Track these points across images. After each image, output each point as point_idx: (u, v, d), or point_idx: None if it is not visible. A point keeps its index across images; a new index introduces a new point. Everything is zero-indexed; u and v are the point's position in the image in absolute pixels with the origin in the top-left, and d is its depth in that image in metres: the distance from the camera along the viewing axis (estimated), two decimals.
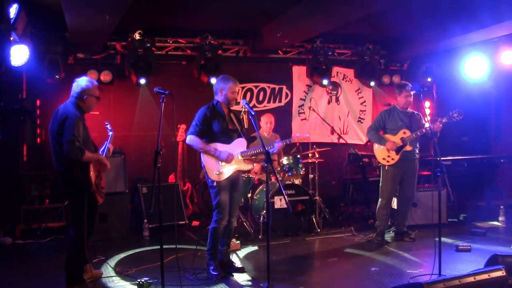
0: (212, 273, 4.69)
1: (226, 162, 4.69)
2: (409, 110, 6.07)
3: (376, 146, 6.08)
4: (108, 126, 4.91)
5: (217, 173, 4.66)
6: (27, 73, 6.90)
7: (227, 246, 4.96)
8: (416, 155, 6.03)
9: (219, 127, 4.73)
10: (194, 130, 4.68)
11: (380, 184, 6.11)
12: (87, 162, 4.20)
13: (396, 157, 5.90)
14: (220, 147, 4.73)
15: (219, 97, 4.84)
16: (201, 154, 4.74)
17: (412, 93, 5.93)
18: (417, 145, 6.03)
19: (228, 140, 4.78)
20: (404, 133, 5.92)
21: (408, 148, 5.88)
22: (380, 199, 6.10)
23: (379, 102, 8.86)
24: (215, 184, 4.67)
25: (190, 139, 4.69)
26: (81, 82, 4.37)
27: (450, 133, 8.67)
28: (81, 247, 4.33)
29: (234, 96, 4.82)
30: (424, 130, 5.80)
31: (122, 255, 5.62)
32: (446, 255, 4.97)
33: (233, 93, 4.81)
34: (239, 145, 4.83)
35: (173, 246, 4.77)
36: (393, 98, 6.16)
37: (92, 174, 4.22)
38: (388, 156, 5.94)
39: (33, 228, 6.53)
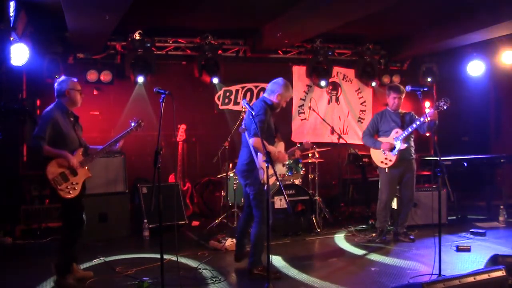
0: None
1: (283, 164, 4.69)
2: (401, 110, 6.09)
3: (372, 150, 6.09)
4: (133, 122, 4.84)
5: (269, 176, 4.50)
6: (27, 73, 6.91)
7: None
8: (413, 154, 6.03)
9: (272, 127, 4.70)
10: (260, 132, 4.39)
11: (379, 186, 6.12)
12: (48, 157, 4.32)
13: (393, 158, 5.89)
14: (272, 149, 4.65)
15: (273, 99, 4.72)
16: (259, 155, 4.55)
17: (402, 95, 5.97)
18: (412, 144, 6.03)
19: (274, 142, 4.79)
20: (397, 132, 5.92)
21: (403, 146, 5.88)
22: (379, 201, 6.11)
23: (379, 102, 8.86)
24: (265, 187, 4.53)
25: (258, 141, 4.40)
26: (60, 79, 4.61)
27: (450, 133, 8.69)
28: (66, 241, 4.47)
29: (284, 104, 4.82)
30: (414, 125, 5.80)
31: (122, 255, 5.61)
32: (446, 255, 4.98)
33: (285, 102, 4.82)
34: (281, 148, 4.88)
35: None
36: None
37: (50, 169, 4.29)
38: (386, 158, 5.94)
39: (33, 228, 6.53)
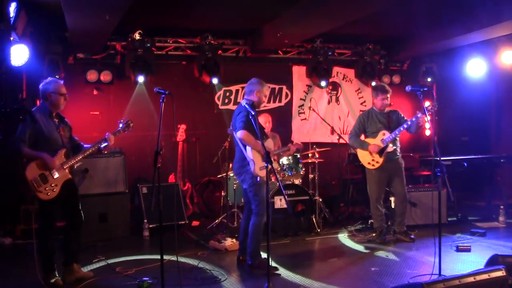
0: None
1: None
2: (387, 109, 6.10)
3: (359, 151, 6.09)
4: (121, 124, 4.81)
5: (261, 168, 4.73)
6: (27, 73, 6.89)
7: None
8: (398, 153, 6.06)
9: (258, 125, 4.82)
10: (245, 126, 4.70)
11: (368, 187, 6.14)
12: (27, 159, 4.33)
13: (381, 160, 5.91)
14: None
15: (253, 98, 4.97)
16: (248, 149, 4.78)
17: (388, 95, 5.99)
18: (398, 144, 6.06)
19: (262, 138, 4.88)
20: (384, 134, 5.94)
21: (390, 149, 5.91)
22: (370, 202, 6.14)
23: None
24: (258, 179, 4.79)
25: (244, 133, 4.68)
26: (45, 81, 4.59)
27: (450, 133, 8.69)
28: (43, 240, 4.47)
29: (264, 99, 5.13)
30: (402, 129, 5.85)
31: (123, 257, 5.60)
32: (446, 255, 4.98)
33: (265, 96, 5.13)
34: (269, 144, 5.02)
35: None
36: (392, 98, 6.17)
37: (29, 170, 4.29)
38: (373, 160, 5.96)
39: (33, 228, 6.51)
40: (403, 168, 6.10)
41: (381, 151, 5.92)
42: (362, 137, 6.16)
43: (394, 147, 5.95)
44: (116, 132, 4.72)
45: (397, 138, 6.05)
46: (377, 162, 5.94)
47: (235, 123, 4.84)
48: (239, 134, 4.71)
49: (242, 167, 4.89)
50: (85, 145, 4.71)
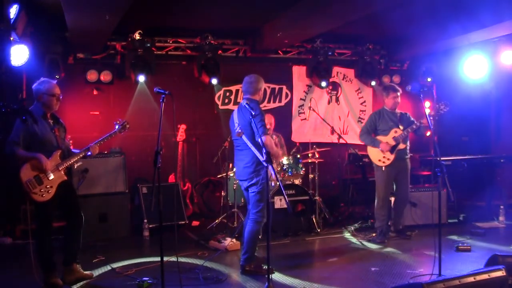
0: None
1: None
2: (398, 111, 6.13)
3: (370, 149, 6.10)
4: (117, 125, 4.82)
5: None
6: (27, 73, 6.89)
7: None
8: (408, 154, 6.08)
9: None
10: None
11: (376, 185, 6.14)
12: (22, 161, 4.31)
13: (392, 157, 5.93)
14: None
15: (257, 96, 4.90)
16: (266, 152, 4.63)
17: (399, 93, 6.02)
18: (408, 144, 6.08)
19: None
20: (396, 132, 5.96)
21: (402, 146, 5.92)
22: (376, 200, 6.13)
23: (379, 102, 8.84)
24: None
25: (269, 138, 4.58)
26: (39, 81, 4.51)
27: (450, 133, 8.68)
28: (41, 242, 4.44)
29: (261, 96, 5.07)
30: (414, 126, 5.89)
31: (122, 255, 5.60)
32: (446, 255, 4.98)
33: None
34: None
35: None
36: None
37: (24, 171, 4.29)
38: (384, 157, 5.97)
39: (33, 228, 6.52)
40: (409, 169, 6.11)
41: (392, 148, 5.93)
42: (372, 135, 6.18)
43: (405, 145, 5.97)
44: (101, 140, 4.68)
45: (408, 138, 6.06)
46: (388, 159, 5.95)
47: (251, 126, 4.64)
48: (264, 139, 4.48)
49: (257, 171, 4.73)
50: (73, 150, 4.68)
